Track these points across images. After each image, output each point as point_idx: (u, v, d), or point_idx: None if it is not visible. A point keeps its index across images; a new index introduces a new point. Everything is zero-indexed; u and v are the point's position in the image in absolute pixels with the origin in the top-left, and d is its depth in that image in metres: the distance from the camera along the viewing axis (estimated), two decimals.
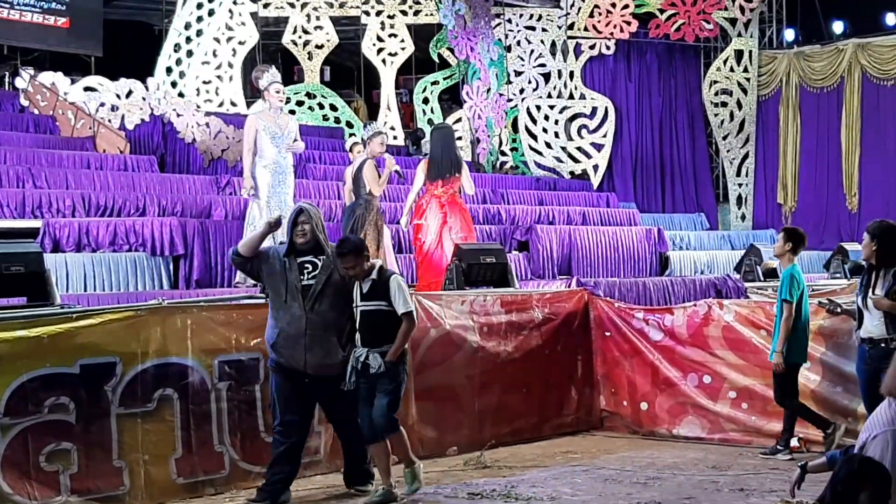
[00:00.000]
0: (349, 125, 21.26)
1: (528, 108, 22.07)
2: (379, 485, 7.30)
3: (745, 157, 23.20)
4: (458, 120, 22.06)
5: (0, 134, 14.56)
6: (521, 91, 22.15)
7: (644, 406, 9.92)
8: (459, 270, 10.15)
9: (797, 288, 8.56)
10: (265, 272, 7.36)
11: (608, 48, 22.56)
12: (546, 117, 22.20)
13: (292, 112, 20.73)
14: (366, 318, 7.17)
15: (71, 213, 11.69)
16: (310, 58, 21.94)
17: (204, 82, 19.90)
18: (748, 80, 22.98)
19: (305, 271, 7.23)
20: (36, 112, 16.00)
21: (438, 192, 11.82)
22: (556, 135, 22.21)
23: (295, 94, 21.40)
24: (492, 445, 9.00)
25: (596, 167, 22.35)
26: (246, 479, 7.70)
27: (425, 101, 22.40)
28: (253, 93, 19.37)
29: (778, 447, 8.76)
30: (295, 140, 11.37)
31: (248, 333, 7.88)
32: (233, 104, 19.87)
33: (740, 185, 23.26)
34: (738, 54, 23.00)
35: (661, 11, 22.56)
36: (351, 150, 13.65)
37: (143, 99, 15.96)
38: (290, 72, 23.06)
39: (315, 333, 7.11)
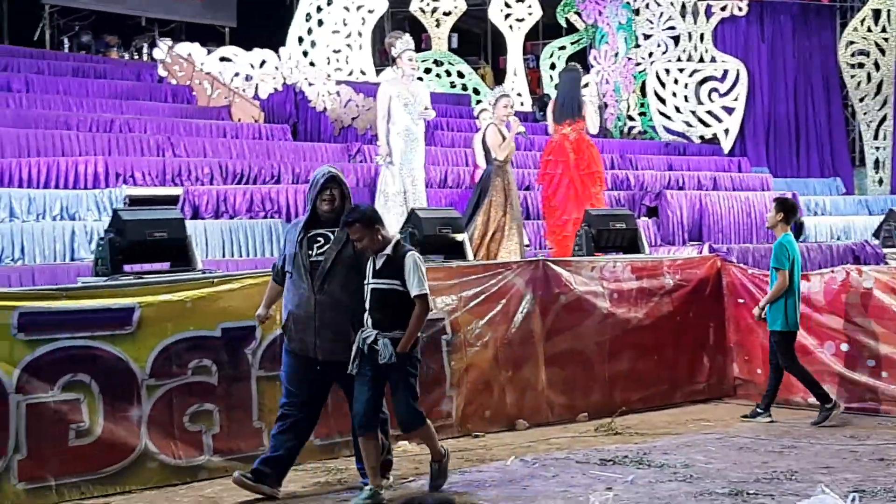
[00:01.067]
0: (476, 92, 21.28)
1: (656, 72, 21.73)
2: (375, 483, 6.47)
3: (883, 119, 22.46)
4: (586, 85, 21.82)
5: (140, 104, 14.99)
6: (650, 55, 21.81)
7: None
8: (589, 236, 10.12)
9: (787, 258, 8.71)
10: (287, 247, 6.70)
11: (740, 10, 22.04)
12: (675, 81, 21.82)
13: (420, 79, 20.83)
14: (377, 297, 6.42)
15: (209, 180, 12.00)
16: (437, 25, 21.99)
17: (334, 51, 20.12)
18: (886, 39, 22.21)
19: (315, 245, 6.52)
20: (174, 82, 16.42)
21: (567, 132, 12.02)
22: (686, 98, 21.83)
23: (423, 61, 21.42)
24: (622, 412, 9.00)
25: (727, 131, 21.91)
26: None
27: (552, 66, 22.25)
28: (382, 61, 19.55)
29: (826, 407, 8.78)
30: (426, 108, 11.44)
31: None
32: (362, 72, 20.05)
33: (877, 148, 22.55)
34: (876, 13, 22.23)
35: None
36: (479, 116, 13.69)
37: (276, 68, 16.24)
38: (418, 39, 23.10)
39: (325, 315, 6.42)
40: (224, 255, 10.66)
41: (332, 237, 6.50)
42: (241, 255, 10.82)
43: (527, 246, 11.77)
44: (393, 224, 10.91)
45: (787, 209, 8.99)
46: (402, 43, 11.37)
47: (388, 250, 6.42)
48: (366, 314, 6.40)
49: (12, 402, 6.33)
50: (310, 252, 6.48)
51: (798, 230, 15.72)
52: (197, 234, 10.20)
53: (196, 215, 11.09)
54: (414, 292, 6.39)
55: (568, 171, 11.90)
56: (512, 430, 8.59)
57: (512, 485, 6.75)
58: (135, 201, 10.22)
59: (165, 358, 6.95)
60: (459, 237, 9.20)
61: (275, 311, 6.92)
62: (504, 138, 11.05)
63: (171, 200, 9.09)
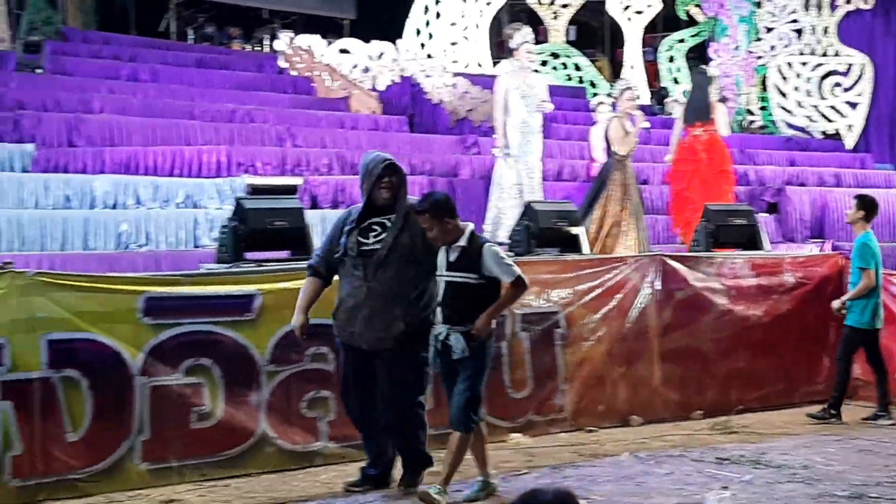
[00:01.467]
0: (593, 85, 21.17)
1: (778, 66, 21.30)
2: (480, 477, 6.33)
3: None
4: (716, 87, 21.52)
5: (261, 95, 15.26)
6: (772, 48, 21.39)
7: None
8: (708, 232, 9.97)
9: (871, 255, 8.61)
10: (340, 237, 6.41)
11: (865, 2, 21.46)
12: (797, 75, 21.36)
13: (536, 72, 20.78)
14: (451, 291, 6.09)
15: (327, 171, 12.15)
16: (555, 17, 21.91)
17: (451, 43, 20.21)
18: None
19: (371, 234, 6.27)
20: (294, 73, 16.67)
21: (698, 133, 12.02)
22: (808, 93, 21.36)
23: (539, 53, 21.36)
24: (739, 411, 8.87)
25: (850, 127, 21.36)
26: (492, 433, 7.79)
27: (671, 59, 22.00)
28: (499, 53, 19.55)
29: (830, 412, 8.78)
30: (543, 100, 11.42)
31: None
32: (479, 65, 20.11)
33: None
34: None
35: None
36: (595, 109, 13.61)
37: (394, 60, 16.38)
38: (535, 31, 22.99)
39: (376, 304, 6.15)
40: None
41: (388, 225, 6.23)
42: None
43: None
44: (509, 216, 10.94)
45: (868, 207, 8.87)
46: (521, 35, 11.36)
47: (463, 241, 6.07)
48: (438, 309, 6.12)
49: (137, 385, 6.51)
50: (366, 240, 6.22)
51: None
52: (315, 224, 10.35)
53: (314, 205, 11.26)
54: (507, 280, 6.05)
55: (699, 172, 11.81)
56: (625, 425, 8.53)
57: (626, 480, 6.70)
58: (256, 190, 10.42)
59: (285, 345, 7.05)
60: (575, 230, 9.16)
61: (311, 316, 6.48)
62: (626, 132, 10.96)
63: (291, 190, 9.23)
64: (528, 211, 9.13)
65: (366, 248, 6.20)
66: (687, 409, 8.93)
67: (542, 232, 8.91)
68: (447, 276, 6.09)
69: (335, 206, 11.42)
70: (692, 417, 8.85)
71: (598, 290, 8.56)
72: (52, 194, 10.36)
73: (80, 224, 9.90)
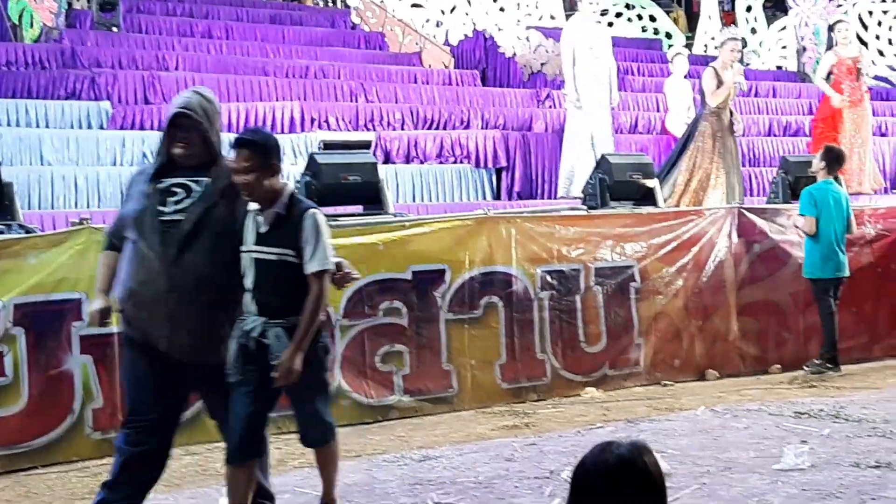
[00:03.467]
0: (668, 36, 20.81)
1: (859, 14, 20.79)
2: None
3: None
4: (784, 28, 21.11)
5: (334, 51, 15.26)
6: None
7: None
8: (786, 183, 9.81)
9: (813, 204, 8.64)
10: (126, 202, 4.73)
11: None
12: (879, 23, 20.84)
13: (610, 24, 20.54)
14: (264, 271, 4.59)
15: (400, 126, 12.15)
16: None
17: None
18: None
19: (171, 199, 4.53)
20: (366, 29, 16.63)
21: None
22: (890, 42, 20.84)
23: (614, 5, 21.14)
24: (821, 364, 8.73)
25: None
26: (567, 387, 7.85)
27: (748, 8, 21.53)
28: (572, 6, 19.32)
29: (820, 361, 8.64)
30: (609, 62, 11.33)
31: (570, 244, 7.99)
32: (552, 17, 19.85)
33: None
34: None
35: None
36: (672, 60, 13.41)
37: (466, 14, 16.25)
38: None
39: (183, 298, 4.44)
40: (414, 200, 10.81)
41: (196, 189, 4.55)
42: (431, 200, 10.94)
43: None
44: (582, 170, 10.85)
45: (831, 158, 8.89)
46: None
47: (280, 207, 4.61)
48: (247, 296, 4.60)
49: None
50: (162, 208, 4.50)
51: None
52: (388, 179, 10.37)
53: (387, 160, 11.26)
54: (311, 268, 4.57)
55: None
56: (702, 379, 8.48)
57: (703, 434, 6.64)
58: (329, 146, 10.42)
59: (358, 299, 7.11)
60: (650, 183, 9.05)
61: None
62: (720, 83, 10.65)
63: (364, 145, 9.21)
64: (602, 163, 9.05)
65: (163, 217, 4.49)
66: (765, 364, 8.85)
67: (616, 185, 8.82)
68: (257, 251, 4.59)
69: (408, 160, 11.43)
70: (770, 372, 8.77)
71: (674, 244, 8.49)
72: (128, 151, 10.47)
73: None
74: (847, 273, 8.81)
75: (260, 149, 4.59)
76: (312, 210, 4.65)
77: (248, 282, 4.58)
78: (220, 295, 4.55)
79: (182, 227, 4.45)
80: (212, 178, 4.57)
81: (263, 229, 4.59)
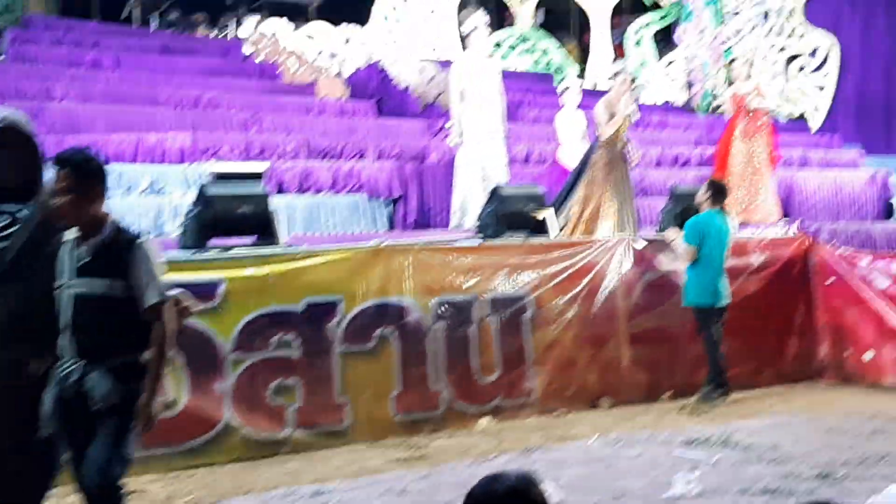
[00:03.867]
0: (560, 69, 21.14)
1: (744, 49, 21.36)
2: None
3: None
4: (672, 62, 21.60)
5: (226, 81, 15.11)
6: (738, 31, 21.46)
7: (868, 356, 9.57)
8: (674, 214, 9.97)
9: (697, 234, 8.83)
10: None
11: None
12: (764, 57, 21.45)
13: (504, 57, 20.77)
14: (84, 307, 4.17)
15: (293, 156, 12.06)
16: (522, 2, 21.86)
17: (419, 28, 20.11)
18: None
19: None
20: (260, 59, 16.53)
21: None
22: (775, 76, 21.45)
23: (508, 38, 21.42)
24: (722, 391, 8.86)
25: (817, 108, 21.50)
26: (461, 418, 7.84)
27: (638, 42, 21.99)
28: (464, 39, 19.51)
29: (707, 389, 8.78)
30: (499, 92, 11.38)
31: (464, 275, 8.01)
32: (447, 49, 20.02)
33: None
34: None
35: None
36: (564, 93, 13.56)
37: (361, 45, 16.27)
38: (503, 16, 23.04)
39: (4, 336, 4.09)
40: (307, 231, 10.72)
41: (15, 217, 4.21)
42: (324, 231, 10.87)
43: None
44: (474, 201, 10.90)
45: (715, 191, 9.12)
46: (473, 20, 11.34)
47: (104, 235, 4.25)
48: (63, 336, 4.17)
49: None
50: None
51: (889, 210, 15.40)
52: (281, 210, 10.27)
53: (280, 191, 11.16)
54: (149, 300, 4.20)
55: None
56: (595, 408, 8.54)
57: (595, 463, 6.69)
58: (220, 176, 10.29)
59: (249, 332, 7.02)
60: (544, 214, 9.13)
61: None
62: (612, 115, 10.77)
63: (256, 176, 9.11)
64: (495, 195, 9.09)
65: None
66: (656, 391, 8.95)
67: (510, 215, 8.87)
68: (76, 285, 4.17)
69: (302, 191, 11.34)
70: (661, 399, 8.87)
71: (567, 274, 8.57)
72: None
73: None
74: (728, 301, 8.98)
75: (79, 169, 4.20)
76: (142, 239, 4.31)
77: (65, 320, 4.13)
78: (35, 333, 4.11)
79: (4, 255, 4.08)
80: (35, 204, 4.20)
81: (85, 260, 4.20)
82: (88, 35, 16.08)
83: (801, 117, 21.25)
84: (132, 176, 10.76)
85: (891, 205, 15.57)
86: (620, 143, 10.85)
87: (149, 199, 10.36)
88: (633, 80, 11.07)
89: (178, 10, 21.71)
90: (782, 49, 21.43)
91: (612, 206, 10.71)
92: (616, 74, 11.02)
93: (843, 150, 18.21)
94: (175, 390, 6.65)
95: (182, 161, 11.37)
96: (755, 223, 12.22)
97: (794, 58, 21.50)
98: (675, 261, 9.06)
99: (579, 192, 10.75)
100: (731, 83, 13.73)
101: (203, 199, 7.56)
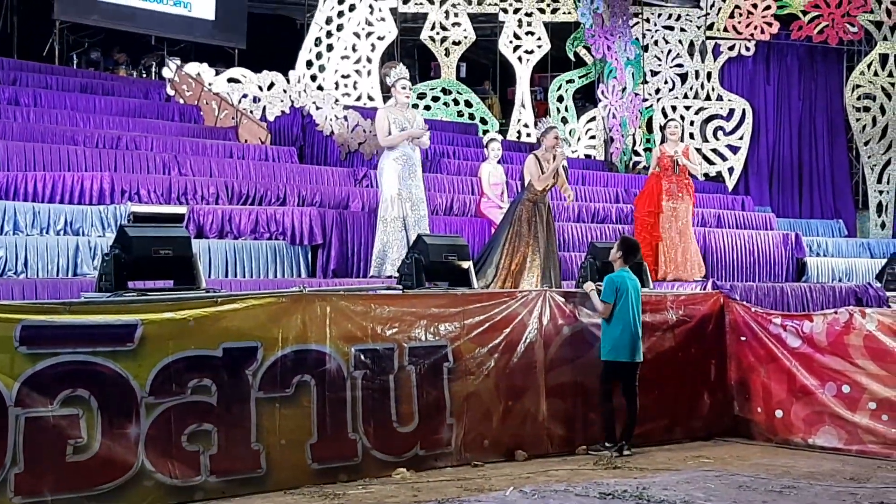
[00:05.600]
0: (483, 122, 21.38)
1: (663, 108, 21.82)
2: None
3: (888, 163, 22.50)
4: (593, 119, 21.96)
5: (147, 122, 15.01)
6: (657, 91, 21.93)
7: (779, 414, 9.73)
8: (594, 268, 10.08)
9: (613, 291, 9.00)
10: None
11: (748, 49, 22.17)
12: (682, 118, 21.91)
13: (427, 108, 20.93)
14: None
15: (214, 200, 11.99)
16: (447, 54, 22.08)
17: (343, 76, 20.23)
18: (893, 84, 22.28)
19: None
20: (181, 101, 16.44)
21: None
22: (692, 136, 21.92)
23: (431, 89, 21.64)
24: (622, 447, 8.94)
25: (731, 169, 22.01)
26: (378, 467, 7.79)
27: (560, 99, 22.34)
28: (387, 90, 19.63)
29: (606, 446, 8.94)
30: (422, 132, 11.43)
31: (385, 323, 7.98)
32: (370, 98, 20.15)
33: (881, 192, 22.58)
34: (883, 58, 22.32)
35: (804, 13, 22.02)
36: (487, 145, 13.70)
37: (284, 91, 16.27)
38: (427, 67, 23.25)
39: None
40: (227, 275, 10.64)
41: None
42: (244, 276, 10.80)
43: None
44: (394, 250, 10.94)
45: (627, 249, 9.30)
46: (396, 73, 11.43)
47: None
48: None
49: (11, 416, 6.27)
50: None
51: (800, 271, 15.77)
52: (201, 254, 10.19)
53: (200, 234, 11.07)
54: None
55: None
56: (511, 460, 8.54)
57: None
58: (139, 218, 10.19)
59: (166, 376, 6.90)
60: (465, 264, 9.17)
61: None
62: (543, 171, 10.90)
63: (176, 219, 9.07)
64: (418, 244, 9.11)
65: None
66: (572, 445, 8.99)
67: (432, 265, 8.89)
68: None
69: (221, 235, 11.26)
70: (577, 452, 8.91)
71: (487, 325, 8.58)
72: None
73: None
74: (641, 358, 9.10)
75: None
76: None
77: None
78: None
79: None
80: None
81: None
82: (7, 72, 15.89)
83: (718, 177, 21.73)
84: (49, 215, 10.60)
85: (801, 266, 15.94)
86: (546, 199, 11.02)
87: (67, 239, 10.20)
88: (553, 128, 11.24)
89: (99, 49, 21.54)
90: (699, 110, 21.94)
91: (536, 260, 10.85)
92: (546, 130, 11.17)
93: (756, 212, 18.61)
94: (87, 434, 6.53)
95: (101, 202, 11.24)
96: (684, 280, 12.43)
97: (710, 119, 22.02)
98: (595, 313, 9.16)
99: (505, 246, 10.85)
100: (663, 141, 13.98)
101: (122, 240, 7.45)
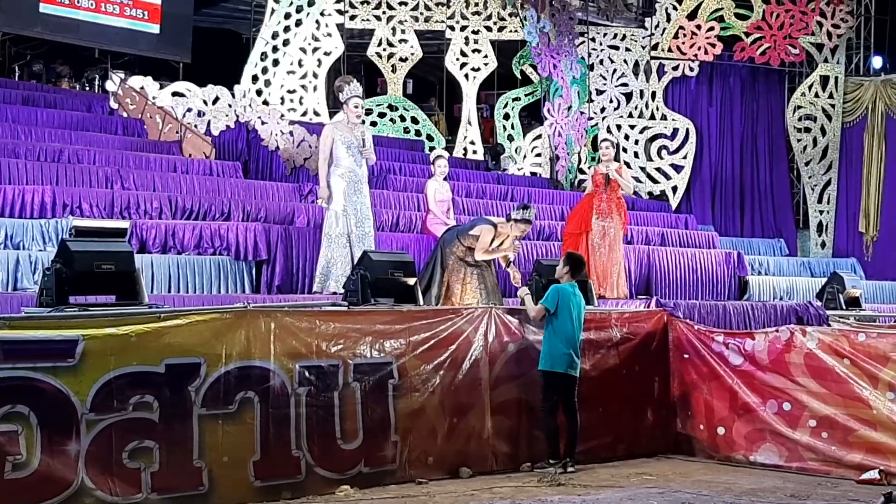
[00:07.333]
0: (430, 138, 21.43)
1: (608, 127, 22.00)
2: None
3: (828, 183, 22.88)
4: (538, 137, 22.08)
5: (90, 135, 14.85)
6: (602, 110, 22.11)
7: (721, 431, 9.81)
8: (540, 286, 10.12)
9: (554, 300, 9.06)
10: None
11: (691, 70, 22.43)
12: (626, 137, 22.12)
13: (374, 124, 20.93)
14: None
15: (158, 215, 11.88)
16: (393, 70, 22.10)
17: (289, 91, 20.19)
18: (833, 106, 22.69)
19: None
20: (125, 115, 16.30)
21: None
22: (636, 154, 22.13)
23: (377, 105, 21.65)
24: (566, 463, 8.96)
25: (675, 188, 22.23)
26: (322, 484, 7.75)
27: (506, 116, 22.45)
28: (335, 103, 19.59)
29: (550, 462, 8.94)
30: (367, 150, 11.41)
31: (330, 340, 7.95)
32: (316, 114, 20.11)
33: (821, 211, 22.94)
34: (824, 80, 22.72)
35: (747, 35, 22.36)
36: (434, 162, 13.71)
37: (229, 106, 16.19)
38: (374, 83, 23.25)
39: None
40: (171, 291, 10.54)
41: None
42: (188, 291, 10.69)
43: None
44: (338, 266, 10.90)
45: (573, 263, 9.42)
46: (350, 90, 11.36)
47: None
48: None
49: None
50: None
51: (742, 289, 15.94)
52: (143, 268, 10.08)
53: (143, 249, 10.96)
54: None
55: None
56: (455, 477, 8.52)
57: None
58: (81, 232, 10.09)
59: (107, 392, 6.82)
60: (411, 281, 9.16)
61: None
62: (490, 250, 10.69)
63: (119, 233, 8.97)
64: (364, 260, 9.09)
65: None
66: (516, 462, 8.99)
67: (377, 282, 8.87)
68: None
69: (165, 250, 11.15)
70: (521, 470, 8.92)
71: (432, 342, 8.58)
72: None
73: None
74: (577, 373, 9.11)
75: None
76: None
77: None
78: None
79: None
80: None
81: None
82: None
83: (661, 196, 21.93)
84: None
85: (744, 284, 16.12)
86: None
87: (7, 253, 10.05)
88: (528, 223, 10.71)
89: (41, 61, 21.29)
90: (644, 129, 22.15)
91: (473, 282, 10.76)
92: (519, 220, 10.61)
93: (699, 230, 18.79)
94: (27, 450, 6.43)
95: (43, 216, 11.10)
96: (609, 300, 12.51)
97: (654, 138, 22.25)
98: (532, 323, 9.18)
99: (441, 270, 10.79)
100: (597, 160, 14.12)
101: (64, 254, 7.36)
